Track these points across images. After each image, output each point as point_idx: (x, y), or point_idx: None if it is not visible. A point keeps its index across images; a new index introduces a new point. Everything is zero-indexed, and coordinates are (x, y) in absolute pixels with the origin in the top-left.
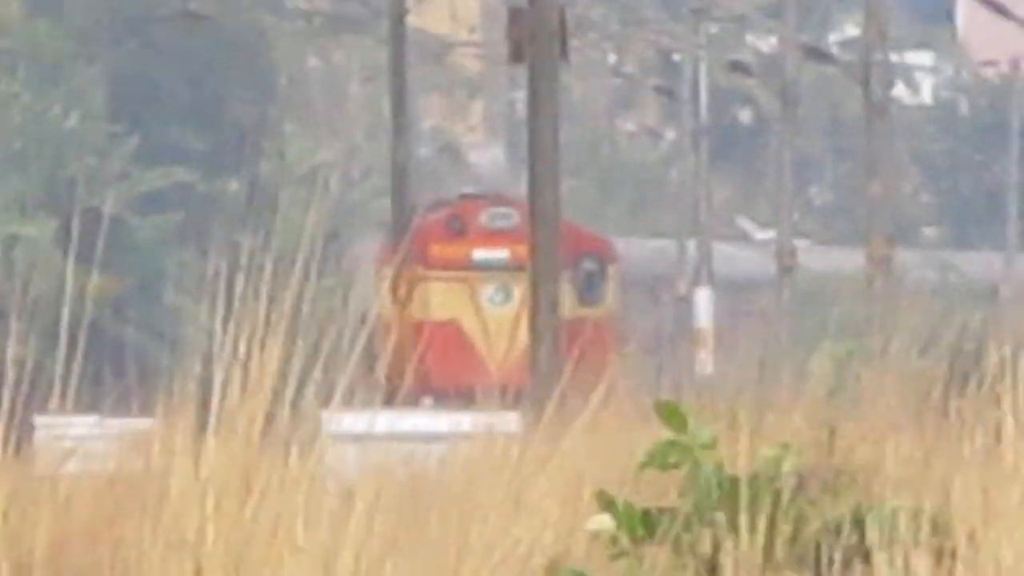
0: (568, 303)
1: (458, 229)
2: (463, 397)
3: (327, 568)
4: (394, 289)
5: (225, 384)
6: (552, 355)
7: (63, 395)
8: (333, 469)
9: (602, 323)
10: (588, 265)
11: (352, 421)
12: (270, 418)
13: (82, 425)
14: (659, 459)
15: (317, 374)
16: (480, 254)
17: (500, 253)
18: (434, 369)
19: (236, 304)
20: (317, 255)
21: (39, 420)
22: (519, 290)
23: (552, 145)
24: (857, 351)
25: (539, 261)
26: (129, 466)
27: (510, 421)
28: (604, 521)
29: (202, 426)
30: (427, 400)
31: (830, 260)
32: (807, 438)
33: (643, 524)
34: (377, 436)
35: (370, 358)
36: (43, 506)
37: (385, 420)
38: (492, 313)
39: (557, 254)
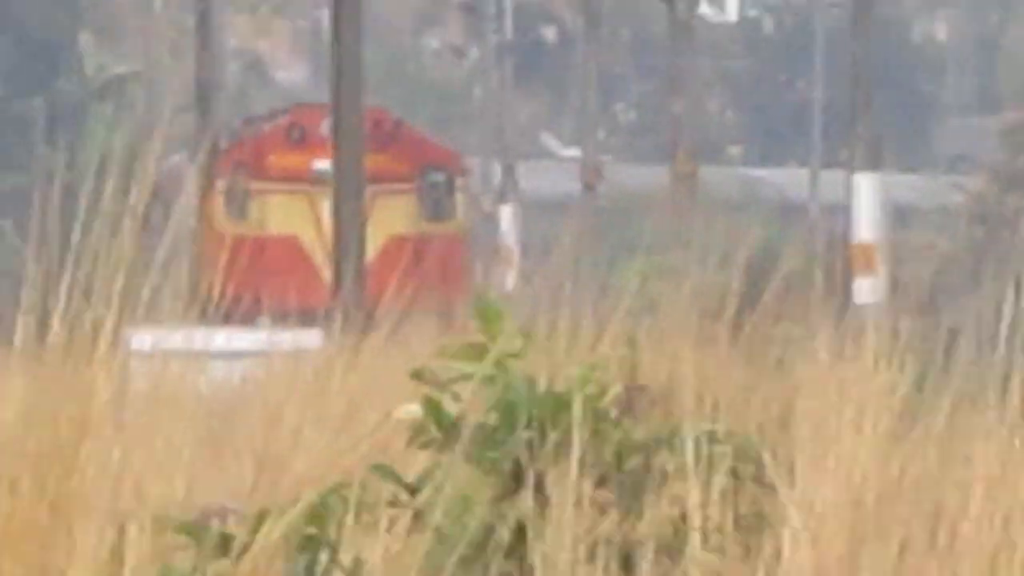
0: (414, 218)
1: (297, 138)
2: (303, 316)
3: (154, 479)
4: (228, 202)
5: (35, 303)
6: (356, 273)
7: None
8: (132, 386)
9: (452, 239)
10: (435, 178)
11: (152, 338)
12: (73, 337)
13: None
14: (464, 357)
15: (118, 288)
16: (321, 164)
17: None
18: (272, 287)
19: (43, 224)
20: (124, 170)
21: None
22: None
23: (355, 62)
24: (660, 268)
25: (343, 178)
26: None
27: (312, 337)
28: (412, 410)
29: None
30: (264, 320)
31: (635, 177)
32: (610, 356)
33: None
34: (176, 353)
35: (197, 275)
36: None
37: (183, 337)
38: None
39: (361, 171)
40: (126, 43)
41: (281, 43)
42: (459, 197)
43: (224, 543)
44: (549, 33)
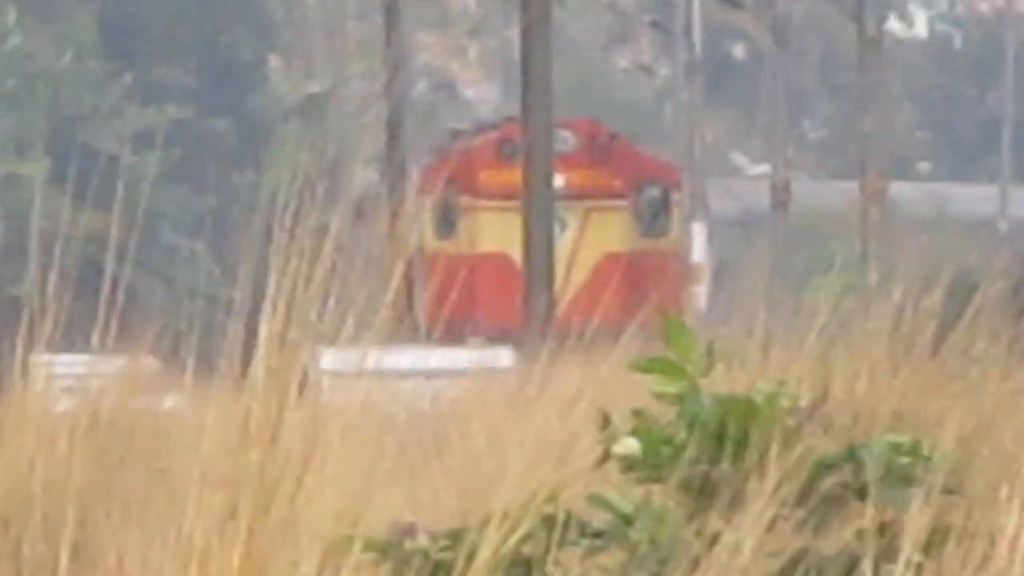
0: (629, 234)
1: (509, 154)
2: (515, 337)
3: (357, 502)
4: (437, 219)
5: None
6: (547, 292)
7: (60, 333)
8: (328, 407)
9: (667, 256)
10: (651, 192)
11: (345, 358)
12: (274, 361)
13: (78, 363)
14: (650, 370)
15: (328, 311)
16: None
17: (555, 180)
18: (484, 306)
19: (240, 244)
20: (318, 189)
21: (37, 358)
22: (576, 220)
23: (545, 82)
24: (852, 286)
25: (532, 197)
26: (130, 405)
27: (502, 357)
28: (631, 445)
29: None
30: (475, 340)
31: (825, 195)
32: (803, 374)
33: (660, 453)
34: (368, 373)
35: (410, 295)
36: (44, 442)
37: (374, 357)
38: None
39: (550, 190)
40: (316, 63)
41: (471, 62)
42: (675, 212)
43: (424, 562)
44: (738, 51)
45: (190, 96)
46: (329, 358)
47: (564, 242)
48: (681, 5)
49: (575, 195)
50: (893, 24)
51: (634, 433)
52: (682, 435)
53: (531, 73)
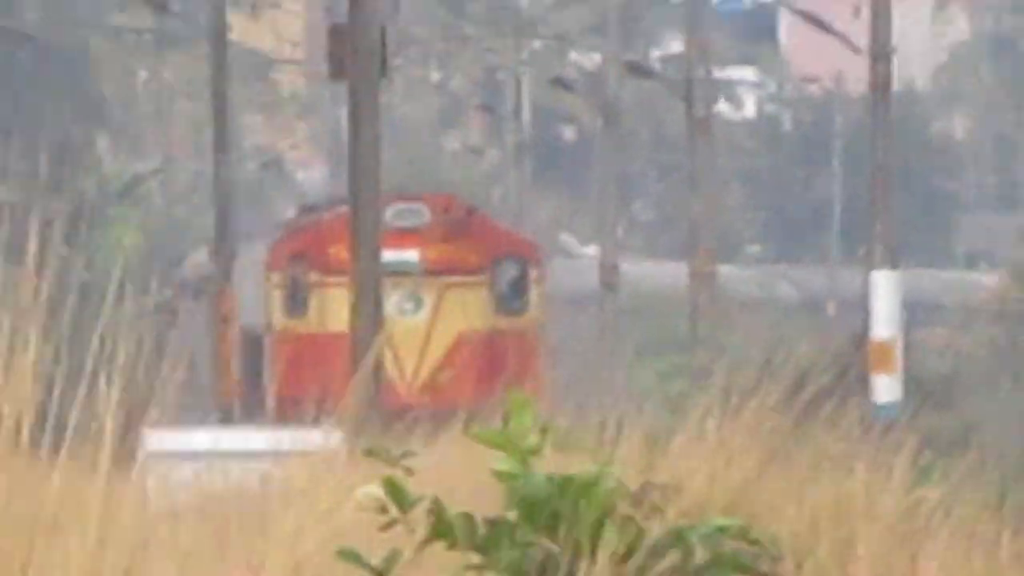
0: (486, 312)
1: None
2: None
3: None
4: (285, 297)
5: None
6: (373, 372)
7: None
8: (154, 487)
9: (526, 335)
10: (509, 269)
11: (173, 439)
12: (100, 439)
13: None
14: (486, 440)
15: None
16: (387, 256)
17: (409, 255)
18: (332, 389)
19: (65, 324)
20: (143, 272)
21: None
22: (431, 298)
23: (374, 162)
24: (680, 367)
25: (361, 277)
26: None
27: (331, 438)
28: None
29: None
30: (326, 423)
31: (654, 275)
32: (631, 453)
33: (466, 528)
34: (197, 454)
35: (257, 374)
36: None
37: (204, 438)
38: (400, 324)
39: (378, 271)
40: (144, 142)
41: (300, 142)
42: (534, 289)
43: None
44: (568, 132)
45: (18, 177)
46: (155, 439)
47: (418, 319)
48: (511, 87)
49: (430, 271)
50: (722, 105)
51: (382, 483)
52: (511, 516)
53: (358, 153)
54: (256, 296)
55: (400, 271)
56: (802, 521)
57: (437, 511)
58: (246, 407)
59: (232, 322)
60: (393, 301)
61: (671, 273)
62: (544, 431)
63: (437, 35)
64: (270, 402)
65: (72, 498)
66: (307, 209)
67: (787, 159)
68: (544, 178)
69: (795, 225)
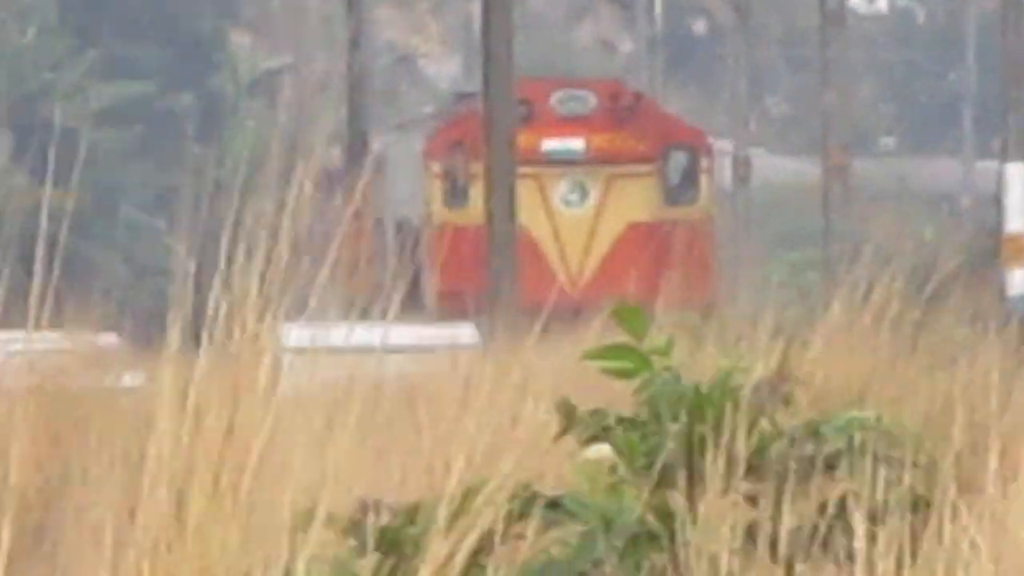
0: (655, 203)
1: (524, 115)
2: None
3: (320, 482)
4: (446, 188)
5: (213, 300)
6: (509, 266)
7: (22, 311)
8: (289, 382)
9: (696, 227)
10: (679, 158)
11: (306, 335)
12: (246, 334)
13: (43, 340)
14: (606, 357)
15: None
16: (551, 144)
17: (575, 143)
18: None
19: (200, 219)
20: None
21: None
22: (597, 188)
23: (506, 56)
24: (813, 260)
25: (494, 170)
26: (86, 380)
27: (465, 334)
28: (603, 450)
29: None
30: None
31: (787, 169)
32: (764, 348)
33: (602, 430)
34: (327, 349)
35: (415, 269)
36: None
37: (335, 333)
38: (565, 215)
39: (513, 163)
40: (277, 38)
41: (433, 37)
42: (704, 179)
43: (383, 537)
44: (700, 26)
45: (152, 72)
46: (293, 334)
47: (584, 211)
48: None
49: (596, 160)
50: None
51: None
52: (643, 415)
53: (491, 48)
54: (411, 188)
55: (565, 160)
56: (935, 407)
57: (566, 408)
58: (404, 303)
59: (365, 217)
60: (558, 191)
61: (805, 167)
62: (690, 329)
63: None
64: (430, 297)
65: (211, 387)
66: (465, 95)
67: (920, 52)
68: (676, 72)
69: (929, 118)
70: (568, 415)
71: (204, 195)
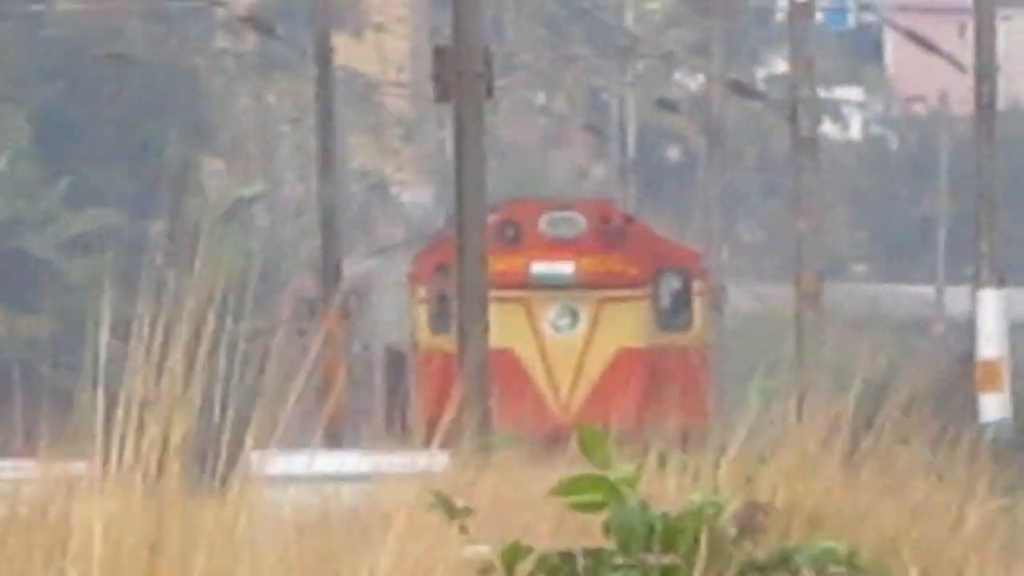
0: (647, 328)
1: (512, 237)
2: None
3: None
4: (431, 312)
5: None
6: (480, 391)
7: None
8: (260, 512)
9: (690, 352)
10: (671, 281)
11: (280, 462)
12: (199, 460)
13: (13, 469)
14: (573, 491)
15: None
16: (540, 268)
17: (564, 267)
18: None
19: (162, 340)
20: (250, 292)
21: None
22: (588, 312)
23: (479, 184)
24: (782, 389)
25: (468, 298)
26: (62, 509)
27: (437, 461)
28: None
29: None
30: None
31: (760, 297)
32: (729, 477)
33: (566, 565)
34: (301, 477)
35: (402, 396)
36: None
37: (306, 461)
38: (555, 340)
39: (485, 293)
40: (250, 166)
41: (405, 164)
42: (698, 303)
43: None
44: (672, 153)
45: (125, 200)
46: (262, 461)
47: (574, 336)
48: (616, 108)
49: (586, 283)
50: (828, 125)
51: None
52: (612, 546)
53: (464, 174)
54: (396, 313)
55: (554, 284)
56: (890, 530)
57: (540, 557)
58: (389, 430)
59: (339, 344)
60: (547, 316)
61: (777, 294)
62: (639, 462)
63: (542, 57)
64: (416, 424)
65: (185, 520)
66: (453, 219)
67: (893, 178)
68: (649, 198)
69: (901, 245)
70: (542, 561)
71: (172, 322)
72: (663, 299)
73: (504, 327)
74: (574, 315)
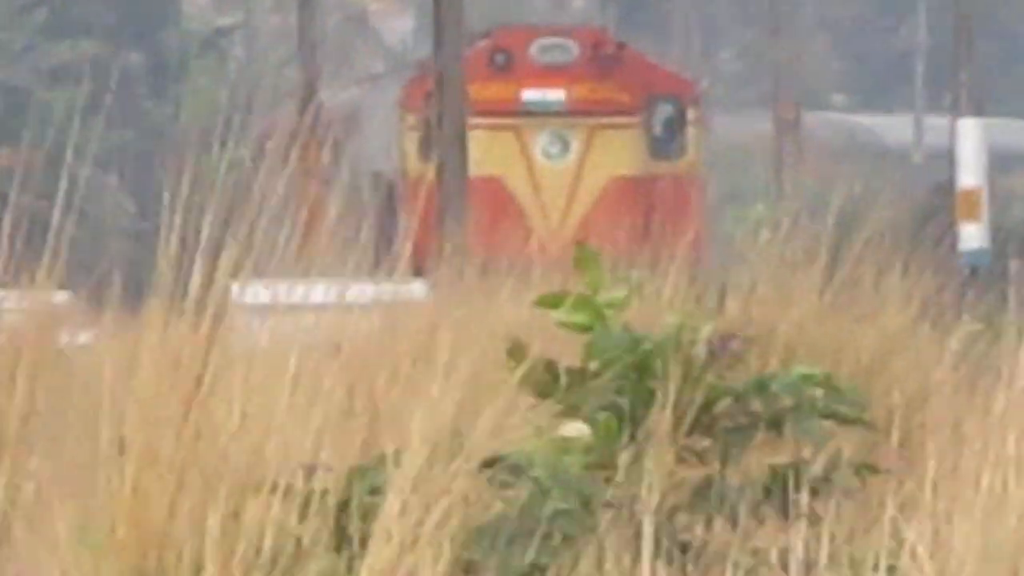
0: (639, 157)
1: (502, 64)
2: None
3: (269, 442)
4: (420, 140)
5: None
6: (461, 219)
7: None
8: (242, 340)
9: (682, 181)
10: (664, 109)
11: (257, 292)
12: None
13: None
14: (557, 305)
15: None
16: (531, 95)
17: (555, 94)
18: (474, 236)
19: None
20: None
21: None
22: (579, 140)
23: (456, 13)
24: (759, 216)
25: (448, 126)
26: (42, 338)
27: (415, 289)
28: (580, 429)
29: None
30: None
31: (738, 125)
32: (712, 303)
33: (549, 375)
34: (279, 307)
35: (391, 225)
36: None
37: (286, 291)
38: (545, 168)
39: (464, 119)
40: None
41: None
42: (691, 131)
43: (324, 501)
44: None
45: (103, 31)
46: (247, 292)
47: (566, 164)
48: None
49: (578, 111)
50: None
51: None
52: (593, 367)
53: (442, 4)
54: (385, 141)
55: (545, 111)
56: (867, 358)
57: (518, 352)
58: (379, 258)
59: (320, 173)
60: (538, 143)
61: (755, 122)
62: (622, 284)
63: None
64: (405, 252)
65: (160, 348)
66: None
67: (872, 7)
68: (629, 26)
69: (880, 73)
70: (519, 358)
71: (158, 153)
72: (656, 127)
73: (494, 155)
74: (565, 143)
